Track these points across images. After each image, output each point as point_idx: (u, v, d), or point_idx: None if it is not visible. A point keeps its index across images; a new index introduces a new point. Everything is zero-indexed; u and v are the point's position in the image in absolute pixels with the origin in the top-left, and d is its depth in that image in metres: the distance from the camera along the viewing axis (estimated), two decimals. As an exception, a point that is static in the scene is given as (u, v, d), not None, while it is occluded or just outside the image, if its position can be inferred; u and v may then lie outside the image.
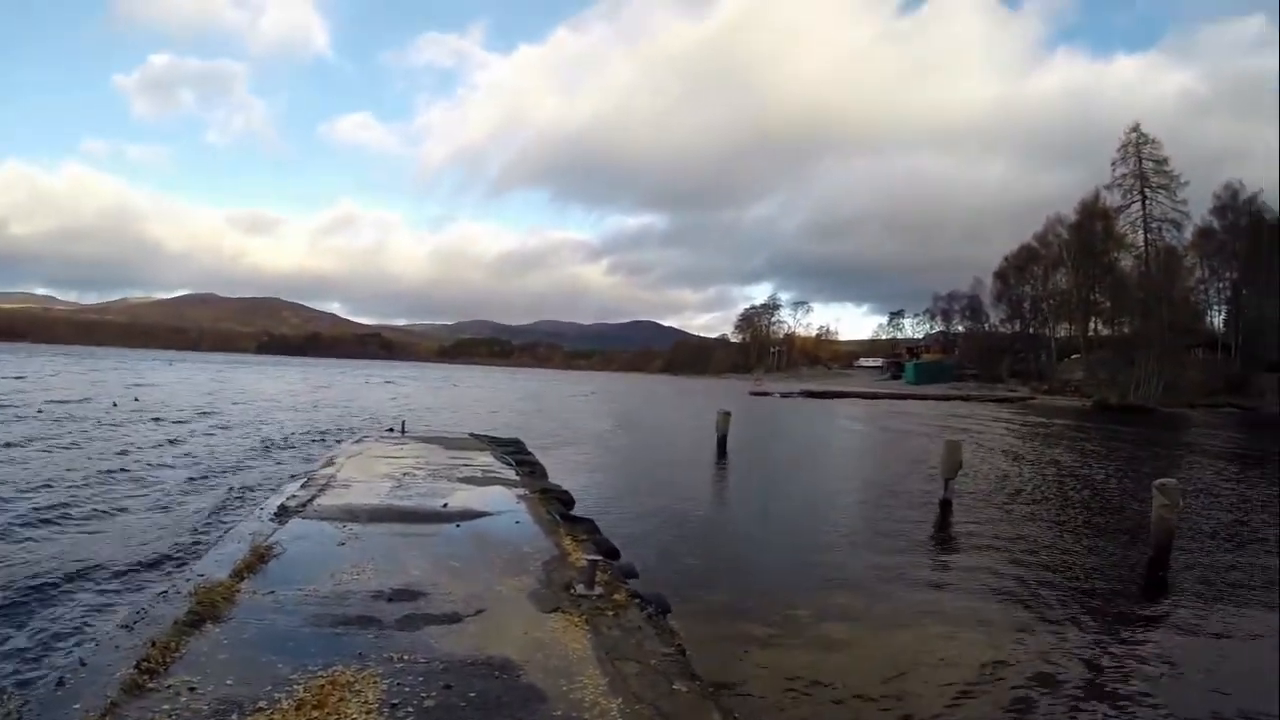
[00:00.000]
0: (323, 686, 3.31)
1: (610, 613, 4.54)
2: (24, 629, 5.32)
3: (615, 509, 11.02)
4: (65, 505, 9.37)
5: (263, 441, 17.59)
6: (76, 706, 3.06)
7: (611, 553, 6.40)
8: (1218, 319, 65.17)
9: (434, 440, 13.88)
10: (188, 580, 4.84)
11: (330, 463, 10.58)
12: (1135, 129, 62.19)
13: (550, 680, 3.55)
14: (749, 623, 6.21)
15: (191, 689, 3.23)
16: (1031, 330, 79.07)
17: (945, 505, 12.31)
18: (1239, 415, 46.90)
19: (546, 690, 3.43)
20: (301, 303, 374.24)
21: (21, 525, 8.25)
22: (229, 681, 3.34)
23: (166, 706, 3.06)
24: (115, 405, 25.21)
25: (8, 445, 14.44)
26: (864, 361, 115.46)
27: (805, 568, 8.41)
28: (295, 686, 3.30)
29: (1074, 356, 68.86)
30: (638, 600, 4.89)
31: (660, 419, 34.65)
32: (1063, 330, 74.85)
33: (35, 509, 8.99)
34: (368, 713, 3.10)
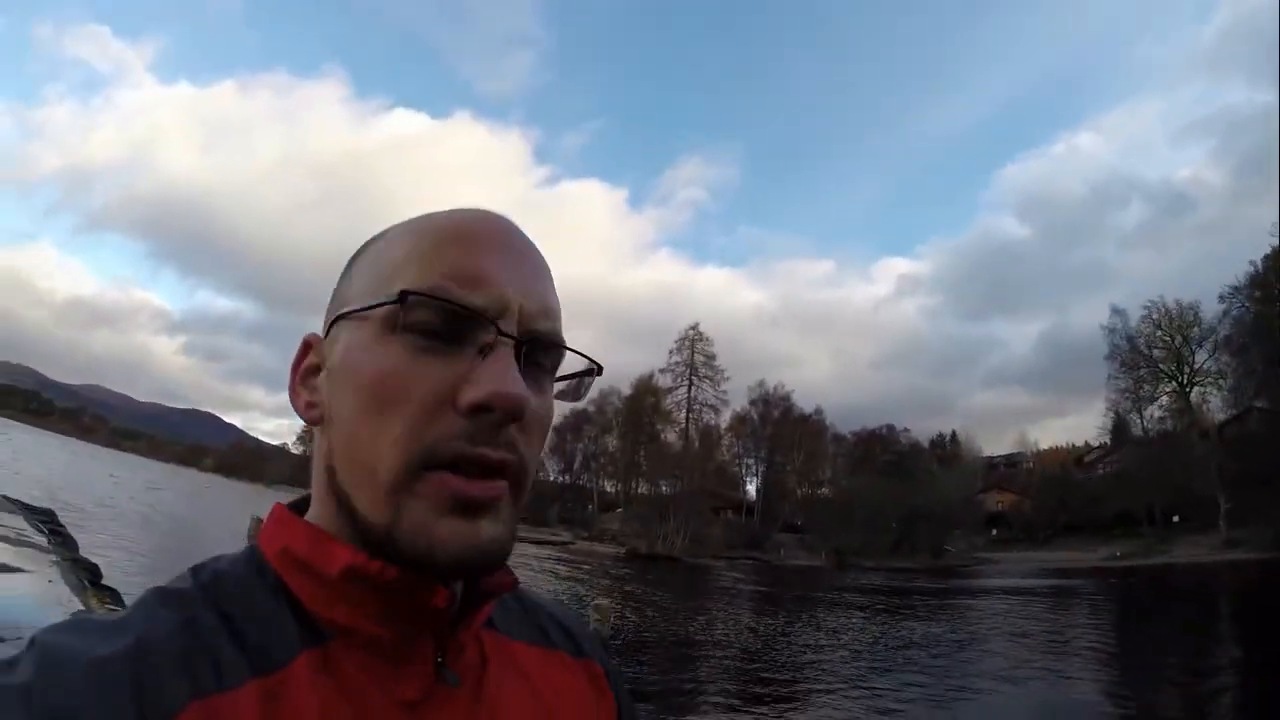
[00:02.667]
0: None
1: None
2: None
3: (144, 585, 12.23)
4: None
5: None
6: None
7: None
8: (751, 487, 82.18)
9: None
10: None
11: None
12: (695, 327, 79.41)
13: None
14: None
15: None
16: (581, 482, 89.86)
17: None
18: (754, 565, 57.15)
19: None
20: None
21: None
22: None
23: None
24: None
25: None
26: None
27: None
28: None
29: (618, 510, 79.14)
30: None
31: (201, 516, 34.61)
32: (610, 485, 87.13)
33: None
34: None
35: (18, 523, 11.85)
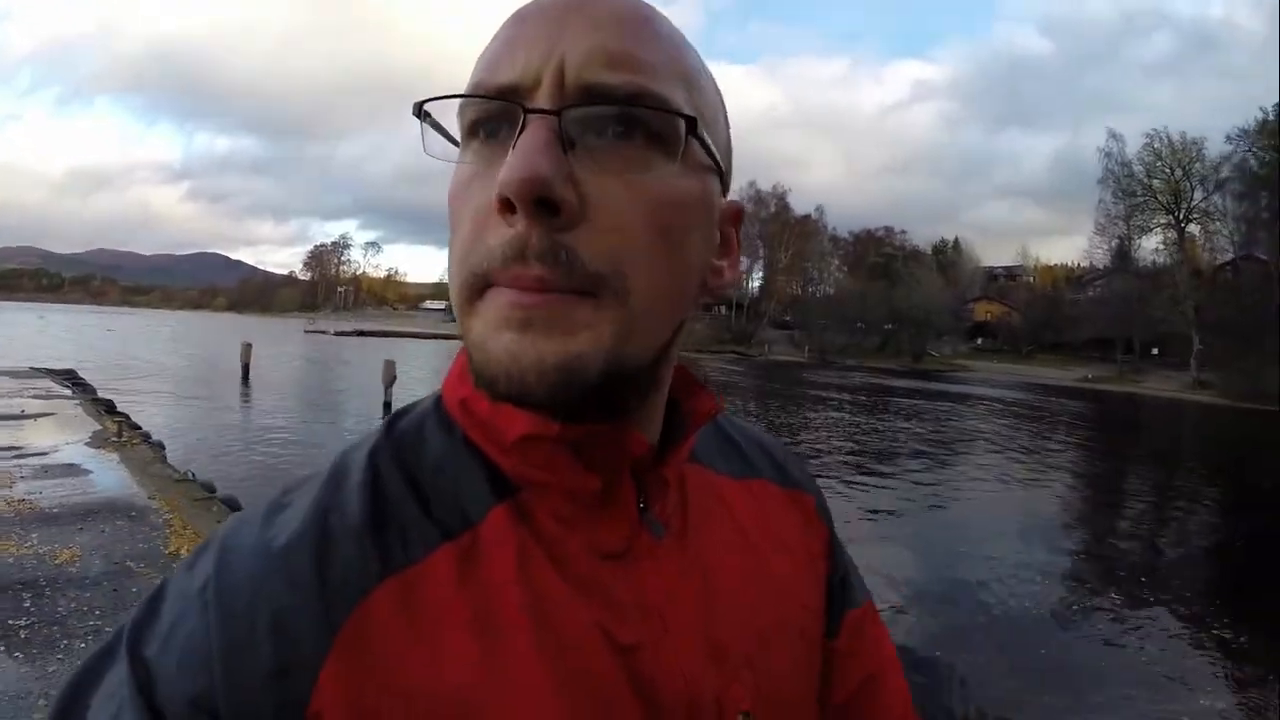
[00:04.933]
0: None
1: (130, 447, 9.88)
2: None
3: (152, 412, 15.72)
4: None
5: None
6: None
7: (136, 427, 11.53)
8: (754, 285, 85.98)
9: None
10: None
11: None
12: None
13: (95, 466, 8.87)
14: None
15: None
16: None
17: (387, 406, 16.85)
18: (736, 359, 60.87)
19: (94, 469, 8.74)
20: None
21: None
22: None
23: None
24: None
25: None
26: (430, 304, 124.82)
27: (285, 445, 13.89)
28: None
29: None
30: (145, 441, 10.28)
31: (203, 353, 38.34)
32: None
33: None
34: (4, 484, 8.09)
35: (46, 384, 15.05)
